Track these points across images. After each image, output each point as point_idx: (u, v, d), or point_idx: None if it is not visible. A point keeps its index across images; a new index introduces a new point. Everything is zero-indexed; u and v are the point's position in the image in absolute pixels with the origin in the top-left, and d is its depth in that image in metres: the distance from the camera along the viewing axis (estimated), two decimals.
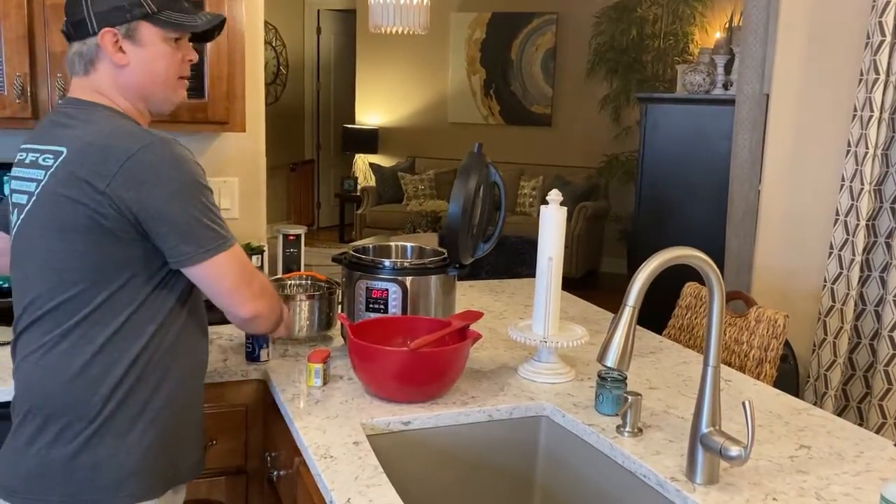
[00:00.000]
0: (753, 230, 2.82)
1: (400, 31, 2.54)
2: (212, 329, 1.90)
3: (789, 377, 2.53)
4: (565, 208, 1.66)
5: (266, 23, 2.28)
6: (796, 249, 2.64)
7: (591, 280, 6.64)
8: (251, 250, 2.18)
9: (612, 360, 1.16)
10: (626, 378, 1.51)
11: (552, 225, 1.64)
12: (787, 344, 2.52)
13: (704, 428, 1.22)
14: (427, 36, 2.76)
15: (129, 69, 1.35)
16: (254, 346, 1.72)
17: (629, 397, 1.41)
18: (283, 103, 8.35)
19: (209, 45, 2.01)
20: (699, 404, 1.23)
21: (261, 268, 2.18)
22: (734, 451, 1.18)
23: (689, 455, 1.25)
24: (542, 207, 1.66)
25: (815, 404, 2.36)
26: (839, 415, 2.42)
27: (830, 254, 2.44)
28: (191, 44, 1.43)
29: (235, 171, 2.33)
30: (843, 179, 2.40)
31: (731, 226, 2.99)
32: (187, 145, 1.31)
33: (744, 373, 1.91)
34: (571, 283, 5.92)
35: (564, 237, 1.67)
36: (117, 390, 1.29)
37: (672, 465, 1.30)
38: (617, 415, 1.47)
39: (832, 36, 2.50)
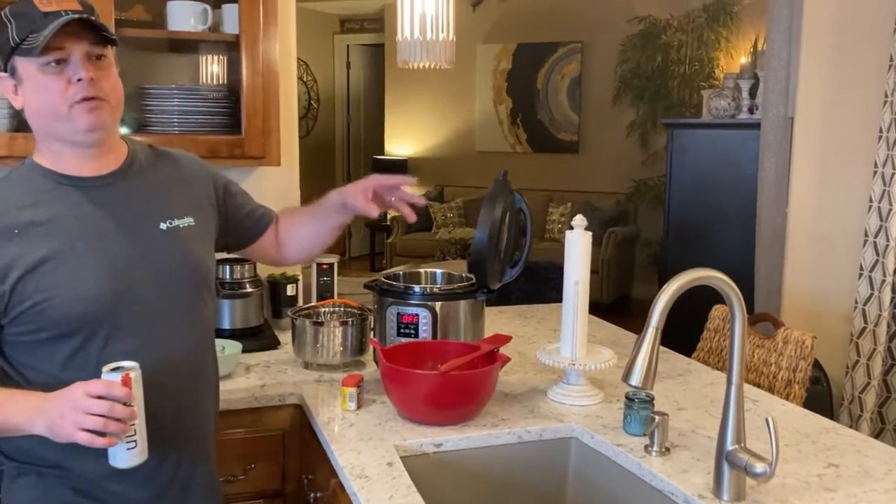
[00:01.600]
0: (782, 252, 2.82)
1: (427, 66, 2.63)
2: (249, 356, 1.98)
3: (822, 400, 2.52)
4: (590, 233, 1.69)
5: (297, 59, 2.37)
6: (825, 271, 2.64)
7: (622, 305, 6.62)
8: (286, 279, 2.24)
9: (636, 379, 1.19)
10: (653, 399, 1.54)
11: (577, 249, 1.68)
12: (819, 366, 2.51)
13: (729, 445, 1.24)
14: (454, 67, 2.83)
15: (26, 111, 1.26)
16: None
17: (656, 417, 1.44)
18: (314, 136, 8.51)
19: (245, 82, 2.08)
20: (724, 422, 1.25)
21: (295, 297, 2.24)
22: (759, 467, 1.20)
23: (716, 472, 1.27)
24: (567, 232, 1.70)
25: (850, 427, 2.33)
26: (875, 438, 2.40)
27: (861, 275, 2.43)
28: (82, 58, 1.22)
29: (271, 204, 2.39)
30: (871, 200, 2.40)
31: (760, 248, 3.00)
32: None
33: (773, 394, 1.92)
34: (602, 309, 5.93)
35: (590, 261, 1.71)
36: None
37: (699, 482, 1.32)
38: (645, 435, 1.50)
39: (854, 58, 2.53)
